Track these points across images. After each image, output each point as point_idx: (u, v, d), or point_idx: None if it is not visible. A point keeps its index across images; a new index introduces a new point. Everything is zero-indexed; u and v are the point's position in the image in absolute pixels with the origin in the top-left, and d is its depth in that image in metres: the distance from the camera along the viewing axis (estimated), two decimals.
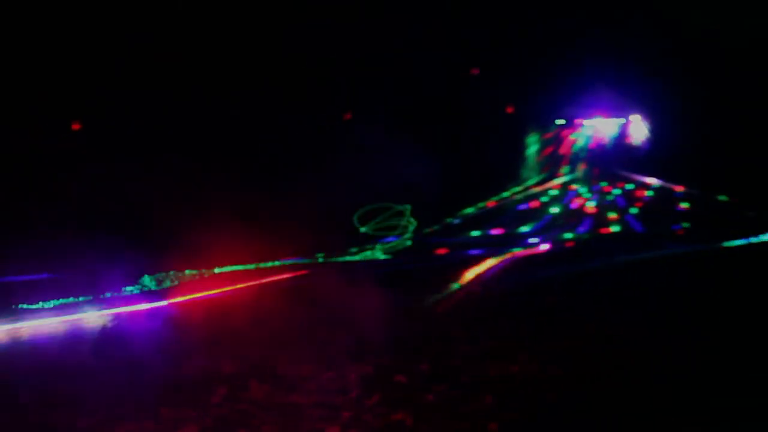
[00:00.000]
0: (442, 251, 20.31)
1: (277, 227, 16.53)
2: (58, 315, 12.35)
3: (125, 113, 18.89)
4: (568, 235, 22.60)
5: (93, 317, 12.55)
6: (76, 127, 19.48)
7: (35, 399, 9.15)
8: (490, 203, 25.09)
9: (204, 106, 20.03)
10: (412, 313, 13.51)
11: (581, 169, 28.31)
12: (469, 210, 24.39)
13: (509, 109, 26.06)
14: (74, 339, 12.07)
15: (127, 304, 13.01)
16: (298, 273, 16.64)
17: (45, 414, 8.70)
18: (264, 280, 15.74)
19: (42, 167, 17.04)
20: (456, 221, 23.72)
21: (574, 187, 27.57)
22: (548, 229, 23.27)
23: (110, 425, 8.36)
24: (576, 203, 26.33)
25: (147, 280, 14.38)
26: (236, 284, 15.28)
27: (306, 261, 17.79)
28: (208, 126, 20.12)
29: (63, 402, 9.06)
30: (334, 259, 18.76)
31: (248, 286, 15.30)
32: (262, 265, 16.67)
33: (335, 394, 9.24)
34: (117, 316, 12.69)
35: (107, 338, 12.00)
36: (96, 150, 18.15)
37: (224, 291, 14.81)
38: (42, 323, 12.11)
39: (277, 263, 17.05)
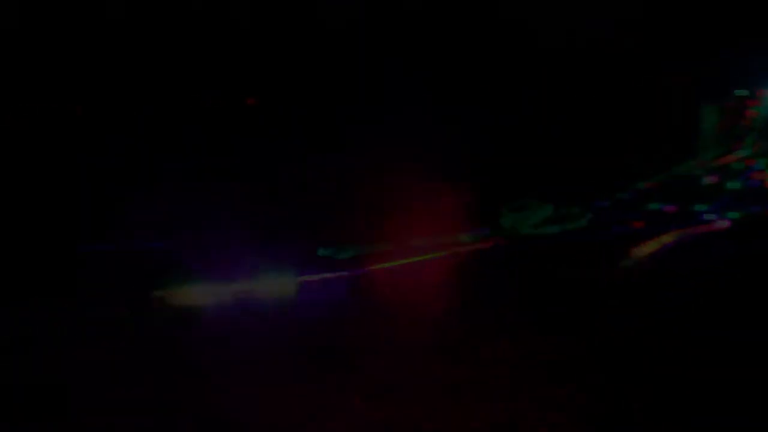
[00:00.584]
0: (616, 226, 19.72)
1: (442, 202, 16.49)
2: (235, 281, 12.82)
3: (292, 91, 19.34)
4: (747, 213, 21.37)
5: (270, 284, 13.01)
6: (250, 101, 20.19)
7: (198, 362, 9.61)
8: (664, 178, 24.13)
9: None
10: (580, 290, 13.21)
11: (762, 142, 26.70)
12: (641, 184, 23.55)
13: (685, 80, 24.91)
14: (252, 305, 12.54)
15: (302, 274, 13.37)
16: (471, 247, 16.58)
17: (204, 379, 9.15)
18: (436, 254, 15.78)
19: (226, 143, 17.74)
20: (627, 196, 22.98)
21: (754, 161, 26.03)
22: (727, 205, 22.09)
23: (275, 388, 8.77)
24: (757, 178, 24.86)
25: (323, 251, 14.71)
26: (412, 257, 15.40)
27: (479, 235, 17.68)
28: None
29: (229, 364, 9.52)
30: (506, 233, 18.58)
31: (422, 260, 15.40)
32: (436, 238, 16.67)
33: (495, 369, 9.26)
34: (294, 283, 13.09)
35: (281, 304, 12.47)
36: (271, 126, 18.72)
37: (398, 264, 14.98)
38: (218, 289, 12.66)
39: (453, 238, 17.01)
